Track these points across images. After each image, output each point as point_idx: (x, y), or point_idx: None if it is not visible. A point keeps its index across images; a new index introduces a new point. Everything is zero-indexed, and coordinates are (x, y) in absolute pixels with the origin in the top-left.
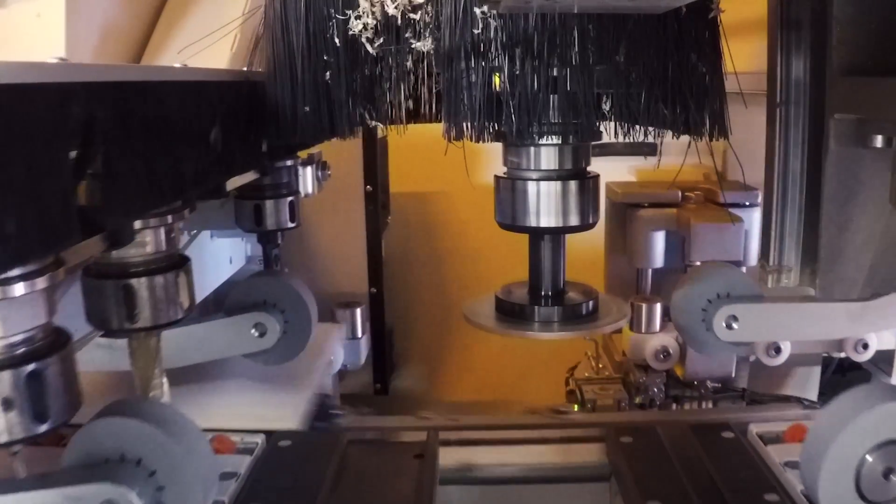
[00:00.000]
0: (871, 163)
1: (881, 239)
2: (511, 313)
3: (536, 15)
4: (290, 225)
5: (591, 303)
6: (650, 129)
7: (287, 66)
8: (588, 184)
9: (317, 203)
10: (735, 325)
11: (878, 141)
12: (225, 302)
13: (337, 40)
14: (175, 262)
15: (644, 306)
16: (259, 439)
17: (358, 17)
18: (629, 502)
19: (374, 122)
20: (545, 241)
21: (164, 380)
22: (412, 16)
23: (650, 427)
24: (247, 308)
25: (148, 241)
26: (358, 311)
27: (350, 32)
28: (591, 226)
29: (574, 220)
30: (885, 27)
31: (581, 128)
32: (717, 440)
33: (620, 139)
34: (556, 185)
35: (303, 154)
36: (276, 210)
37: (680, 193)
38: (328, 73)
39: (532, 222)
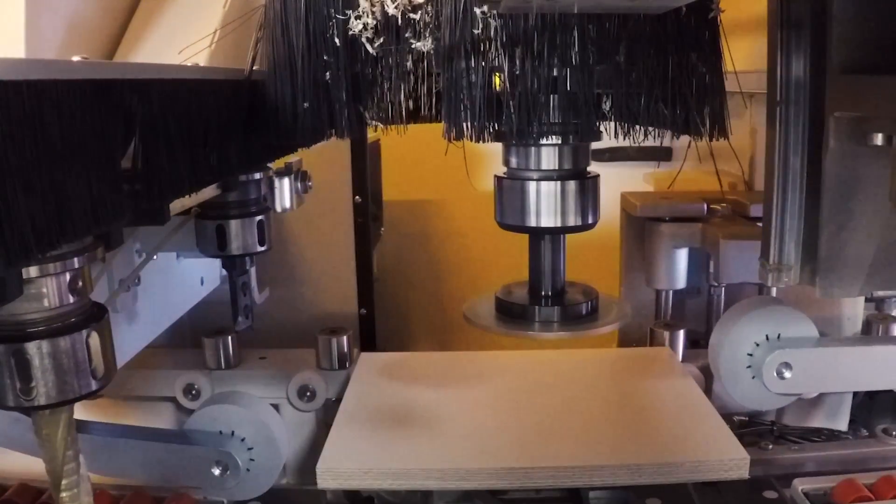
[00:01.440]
0: (870, 161)
1: (882, 237)
2: (511, 313)
3: (536, 15)
4: (259, 249)
5: (591, 303)
6: (650, 129)
7: (287, 66)
8: (588, 184)
9: (300, 216)
10: (788, 374)
11: (878, 139)
12: (185, 424)
13: (337, 40)
14: (86, 318)
15: (666, 334)
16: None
17: (358, 17)
18: None
19: (374, 122)
20: (545, 242)
21: (81, 459)
22: (412, 16)
23: (681, 487)
24: (209, 437)
25: (45, 292)
26: (344, 340)
27: (350, 32)
28: (591, 226)
29: (574, 221)
30: (885, 26)
31: (581, 128)
32: (759, 502)
33: (622, 140)
34: (555, 185)
35: (279, 163)
36: (243, 231)
37: (705, 206)
38: (328, 73)
39: (532, 222)
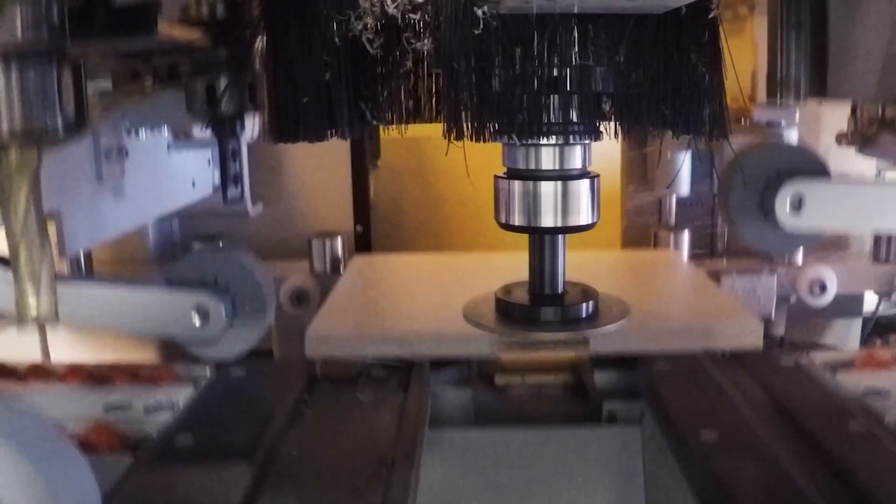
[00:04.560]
0: None
1: (893, 33)
2: (510, 314)
3: (536, 15)
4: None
5: (591, 303)
6: (650, 129)
7: (287, 66)
8: (588, 184)
9: None
10: (802, 208)
11: None
12: (166, 274)
13: (337, 40)
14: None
15: (671, 236)
16: (207, 370)
17: (358, 18)
18: (675, 434)
19: (374, 122)
20: (545, 242)
21: (50, 248)
22: (412, 16)
23: (690, 355)
24: (190, 286)
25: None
26: (339, 242)
27: (350, 32)
28: (592, 226)
29: (574, 221)
30: None
31: (581, 128)
32: (775, 369)
33: (620, 139)
34: (556, 185)
35: None
36: (234, 91)
37: None
38: (328, 73)
39: (531, 222)
